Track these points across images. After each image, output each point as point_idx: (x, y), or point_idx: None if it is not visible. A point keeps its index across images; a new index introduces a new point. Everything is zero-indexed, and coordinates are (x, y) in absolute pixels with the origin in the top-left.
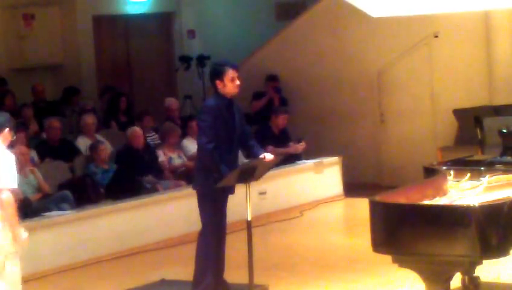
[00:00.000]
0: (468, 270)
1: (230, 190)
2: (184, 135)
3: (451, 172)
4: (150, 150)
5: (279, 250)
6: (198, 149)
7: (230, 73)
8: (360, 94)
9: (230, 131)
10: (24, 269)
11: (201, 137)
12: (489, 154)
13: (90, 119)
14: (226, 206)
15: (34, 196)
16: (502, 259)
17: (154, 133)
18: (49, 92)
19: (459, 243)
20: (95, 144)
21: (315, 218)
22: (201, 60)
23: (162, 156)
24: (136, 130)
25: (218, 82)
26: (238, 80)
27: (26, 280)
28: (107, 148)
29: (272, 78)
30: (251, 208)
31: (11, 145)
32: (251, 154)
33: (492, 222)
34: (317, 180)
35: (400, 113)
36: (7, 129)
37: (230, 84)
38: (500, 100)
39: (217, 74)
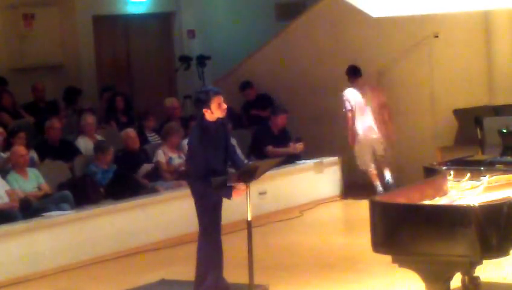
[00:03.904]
0: (468, 270)
1: None
2: (184, 135)
3: (451, 172)
4: (145, 152)
5: (279, 250)
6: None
7: (216, 100)
8: None
9: (220, 146)
10: (24, 269)
11: (192, 163)
12: (489, 154)
13: (90, 119)
14: (221, 206)
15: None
16: (502, 259)
17: (154, 134)
18: (49, 92)
19: (459, 243)
20: (103, 146)
21: (315, 218)
22: (201, 60)
23: (161, 155)
24: (129, 132)
25: (205, 110)
26: (225, 103)
27: (26, 280)
28: (112, 151)
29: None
30: (251, 208)
31: (11, 145)
32: (235, 167)
33: (492, 222)
34: (317, 180)
35: (400, 113)
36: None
37: (218, 110)
38: (500, 100)
39: (203, 102)
